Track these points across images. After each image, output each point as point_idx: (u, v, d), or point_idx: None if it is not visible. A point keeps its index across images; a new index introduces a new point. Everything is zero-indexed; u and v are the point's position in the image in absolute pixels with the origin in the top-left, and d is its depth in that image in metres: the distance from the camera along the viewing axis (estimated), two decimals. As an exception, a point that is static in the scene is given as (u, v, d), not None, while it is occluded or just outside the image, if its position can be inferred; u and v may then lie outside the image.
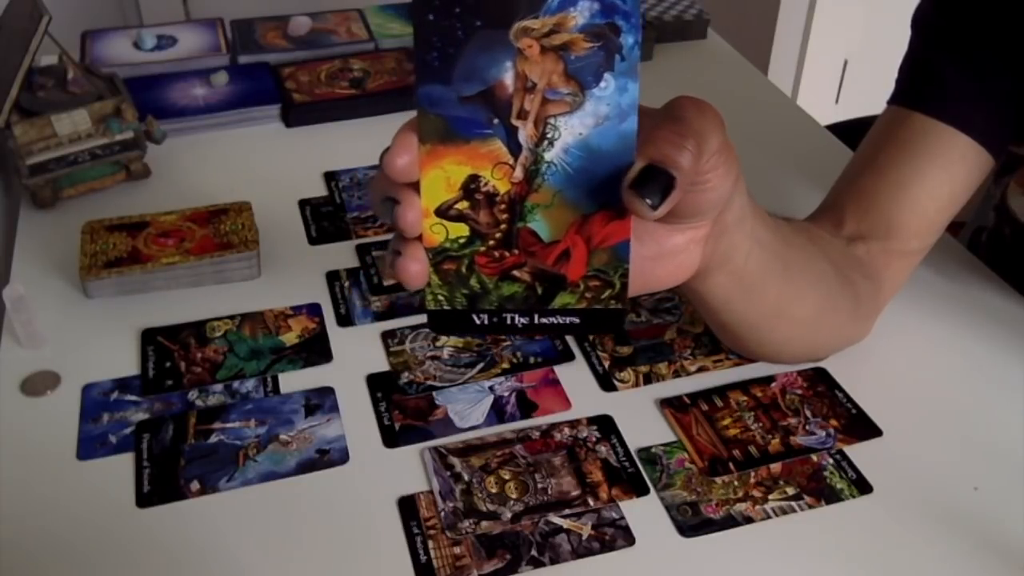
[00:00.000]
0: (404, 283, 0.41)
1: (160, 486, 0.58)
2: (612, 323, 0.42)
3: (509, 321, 0.42)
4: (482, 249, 0.41)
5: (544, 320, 0.42)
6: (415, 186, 0.40)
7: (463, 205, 0.40)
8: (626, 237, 0.41)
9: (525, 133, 0.40)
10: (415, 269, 0.41)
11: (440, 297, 0.42)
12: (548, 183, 0.40)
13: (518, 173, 0.40)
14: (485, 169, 0.40)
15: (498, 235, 0.41)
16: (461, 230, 0.41)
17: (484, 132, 0.39)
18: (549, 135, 0.40)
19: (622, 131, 0.39)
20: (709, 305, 0.56)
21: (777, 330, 0.61)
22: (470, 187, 0.40)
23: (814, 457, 0.61)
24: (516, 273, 0.41)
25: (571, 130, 0.39)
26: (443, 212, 0.40)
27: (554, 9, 0.38)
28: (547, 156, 0.40)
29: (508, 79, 0.39)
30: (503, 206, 0.41)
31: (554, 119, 0.39)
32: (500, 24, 0.38)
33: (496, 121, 0.39)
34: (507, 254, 0.41)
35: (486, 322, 0.42)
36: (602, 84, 0.39)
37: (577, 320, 0.42)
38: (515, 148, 0.40)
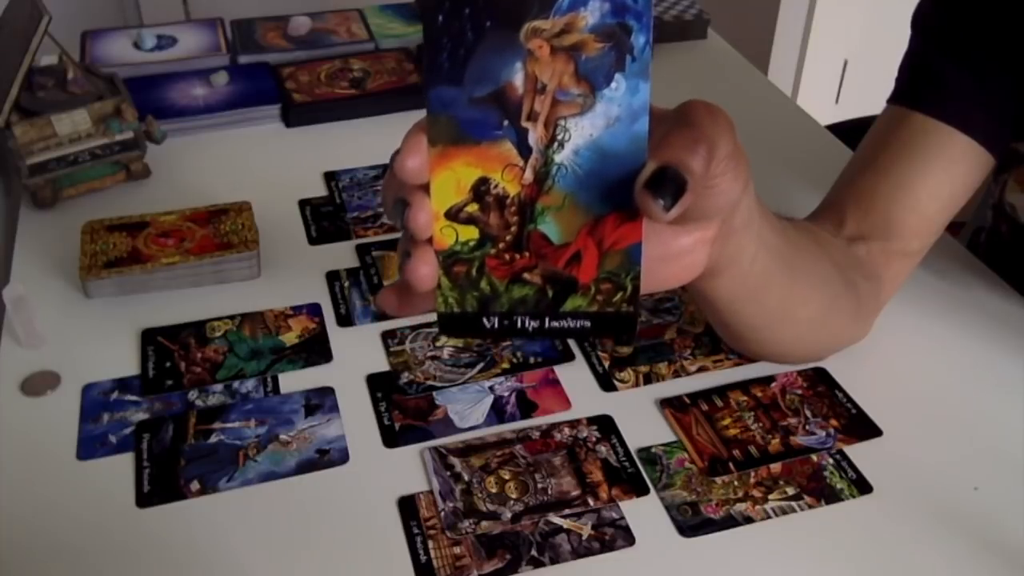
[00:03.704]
0: (413, 285, 0.40)
1: (160, 486, 0.58)
2: (623, 327, 0.42)
3: (520, 325, 0.42)
4: (492, 252, 0.41)
5: (555, 324, 0.42)
6: (425, 188, 0.40)
7: (473, 208, 0.40)
8: (638, 240, 0.40)
9: (535, 135, 0.39)
10: (424, 271, 0.40)
11: (451, 300, 0.41)
12: (559, 185, 0.40)
13: (528, 175, 0.40)
14: (495, 171, 0.40)
15: (508, 238, 0.40)
16: (471, 233, 0.40)
17: (494, 134, 0.39)
18: (559, 137, 0.39)
19: (633, 132, 0.39)
20: (714, 306, 0.56)
21: (780, 331, 0.61)
22: (480, 189, 0.40)
23: (814, 457, 0.61)
24: (527, 276, 0.41)
25: (582, 132, 0.39)
26: (453, 215, 0.40)
27: (564, 9, 0.37)
28: (557, 158, 0.39)
29: (518, 80, 0.38)
30: (513, 209, 0.40)
31: (564, 121, 0.39)
32: (510, 25, 0.37)
33: (506, 123, 0.39)
34: (517, 257, 0.41)
35: (496, 326, 0.42)
36: (613, 85, 0.38)
37: (588, 324, 0.41)
38: (525, 150, 0.39)
